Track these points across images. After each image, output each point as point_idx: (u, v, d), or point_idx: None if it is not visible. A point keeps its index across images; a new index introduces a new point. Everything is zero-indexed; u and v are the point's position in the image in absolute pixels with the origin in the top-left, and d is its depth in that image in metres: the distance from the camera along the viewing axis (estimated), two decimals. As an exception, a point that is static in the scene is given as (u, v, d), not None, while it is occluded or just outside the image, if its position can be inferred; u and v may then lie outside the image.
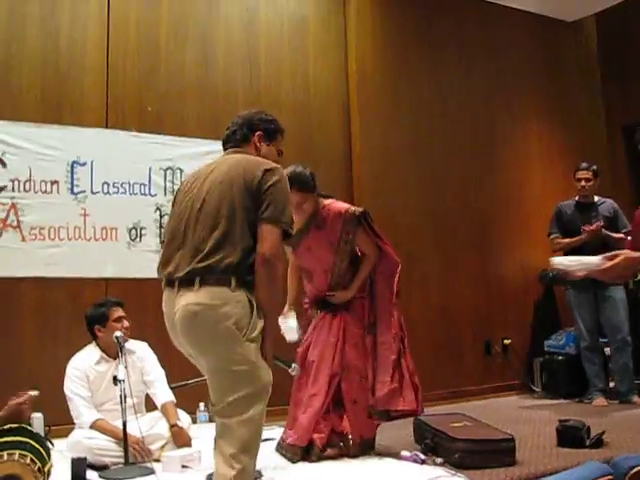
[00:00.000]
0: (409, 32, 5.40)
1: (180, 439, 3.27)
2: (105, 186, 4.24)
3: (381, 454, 3.27)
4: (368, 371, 3.28)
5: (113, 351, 3.36)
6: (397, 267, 3.35)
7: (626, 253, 2.10)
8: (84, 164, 4.19)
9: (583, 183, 4.90)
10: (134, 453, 3.10)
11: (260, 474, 2.93)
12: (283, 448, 3.30)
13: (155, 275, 2.33)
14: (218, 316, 2.07)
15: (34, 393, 2.99)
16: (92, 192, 4.20)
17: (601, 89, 6.37)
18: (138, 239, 4.25)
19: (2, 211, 3.95)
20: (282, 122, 2.50)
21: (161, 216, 4.36)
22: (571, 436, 3.30)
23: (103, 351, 3.43)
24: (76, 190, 4.16)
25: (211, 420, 3.54)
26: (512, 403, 4.96)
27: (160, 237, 4.29)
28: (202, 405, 4.11)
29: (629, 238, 2.64)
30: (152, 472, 2.98)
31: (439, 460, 3.07)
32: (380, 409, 3.23)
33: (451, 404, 4.72)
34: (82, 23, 4.26)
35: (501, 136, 5.79)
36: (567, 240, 4.84)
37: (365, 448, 3.27)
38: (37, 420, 3.40)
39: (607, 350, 4.95)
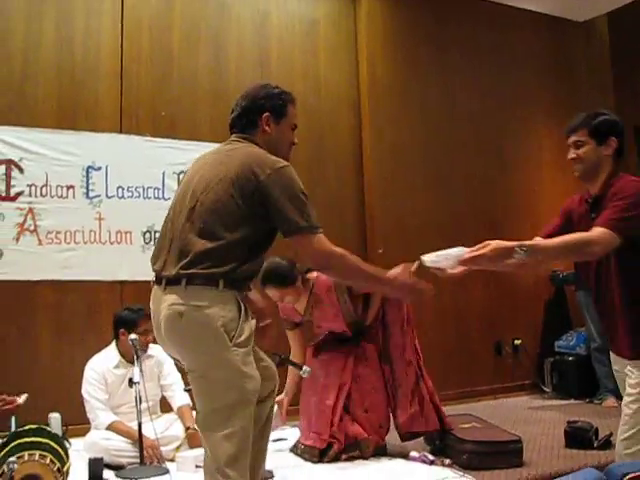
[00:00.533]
0: (419, 34, 5.41)
1: (195, 441, 3.32)
2: (120, 190, 4.31)
3: (390, 454, 3.32)
4: (383, 392, 3.34)
5: (131, 356, 3.36)
6: None
7: (495, 243, 2.02)
8: (99, 169, 4.26)
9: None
10: (148, 456, 3.16)
11: (271, 474, 2.98)
12: (299, 449, 3.37)
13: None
14: (204, 317, 1.96)
15: (21, 400, 2.65)
16: (107, 196, 4.27)
17: (612, 89, 6.35)
18: (152, 242, 4.29)
19: (20, 216, 4.03)
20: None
21: (174, 220, 4.42)
22: (579, 437, 3.34)
23: (122, 355, 3.48)
24: (91, 194, 4.23)
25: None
26: (522, 403, 4.97)
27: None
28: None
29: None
30: (167, 472, 3.06)
31: (447, 461, 3.12)
32: (404, 432, 3.31)
33: (462, 404, 4.74)
34: (96, 31, 4.33)
35: (511, 137, 5.77)
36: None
37: (379, 454, 3.32)
38: (55, 420, 3.49)
39: (617, 351, 4.95)
